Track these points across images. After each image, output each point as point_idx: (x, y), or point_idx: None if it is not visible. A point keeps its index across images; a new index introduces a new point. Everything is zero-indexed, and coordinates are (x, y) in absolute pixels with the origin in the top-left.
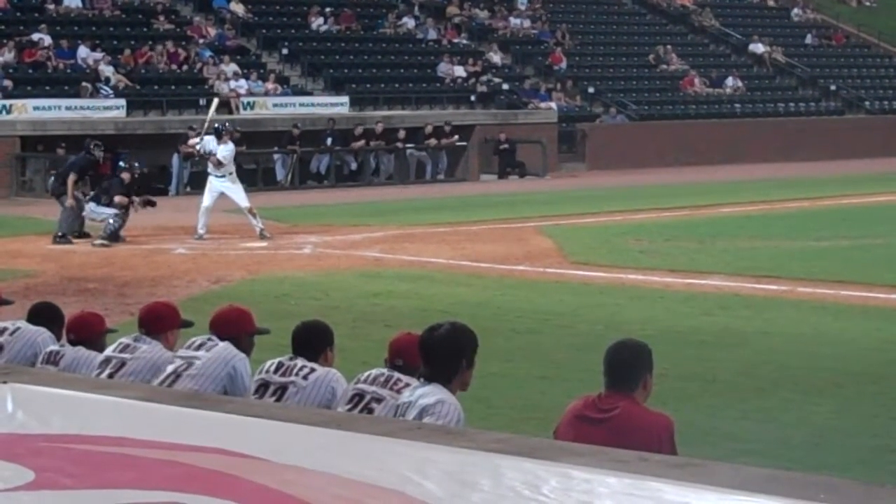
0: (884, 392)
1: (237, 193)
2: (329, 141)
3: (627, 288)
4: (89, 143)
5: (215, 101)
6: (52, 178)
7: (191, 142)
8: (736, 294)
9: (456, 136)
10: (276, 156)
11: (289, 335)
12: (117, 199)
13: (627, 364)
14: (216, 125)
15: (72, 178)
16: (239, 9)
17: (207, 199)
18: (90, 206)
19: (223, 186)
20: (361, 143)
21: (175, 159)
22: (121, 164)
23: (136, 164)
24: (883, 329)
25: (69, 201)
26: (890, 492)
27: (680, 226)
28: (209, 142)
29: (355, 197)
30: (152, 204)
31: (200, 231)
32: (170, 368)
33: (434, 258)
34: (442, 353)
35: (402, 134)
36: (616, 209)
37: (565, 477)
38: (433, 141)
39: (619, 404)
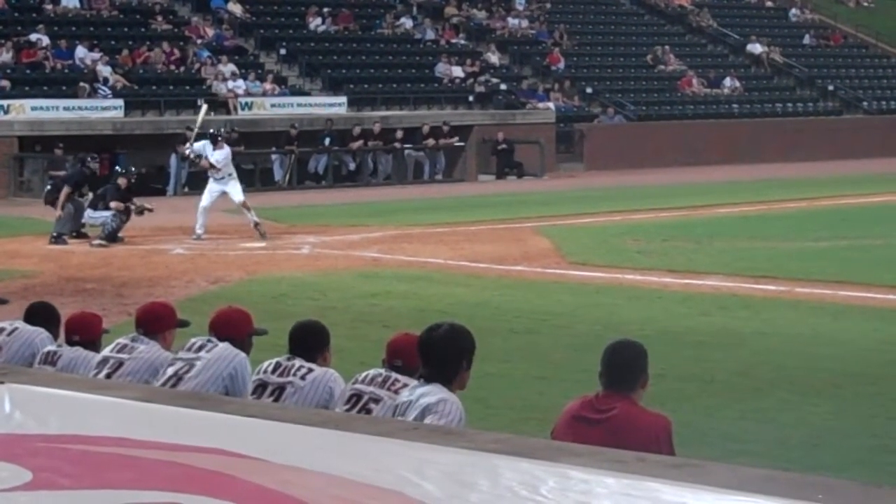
0: (882, 392)
1: (234, 189)
2: (327, 141)
3: (625, 288)
4: (84, 157)
5: (203, 108)
6: (48, 187)
7: (181, 149)
8: (734, 294)
9: (455, 137)
10: (273, 156)
11: (286, 335)
12: (113, 204)
13: (628, 364)
14: (211, 131)
15: (65, 190)
16: (237, 9)
17: (206, 199)
18: (88, 213)
19: (222, 186)
20: (359, 143)
21: (173, 159)
22: (117, 169)
23: (133, 169)
24: (881, 330)
25: (58, 212)
26: (888, 492)
27: (678, 226)
28: (204, 146)
29: (353, 197)
30: (149, 210)
31: (199, 231)
32: (170, 371)
33: (432, 258)
34: (443, 353)
35: (399, 134)
36: (614, 209)
37: (563, 477)
38: (431, 141)
39: (617, 405)
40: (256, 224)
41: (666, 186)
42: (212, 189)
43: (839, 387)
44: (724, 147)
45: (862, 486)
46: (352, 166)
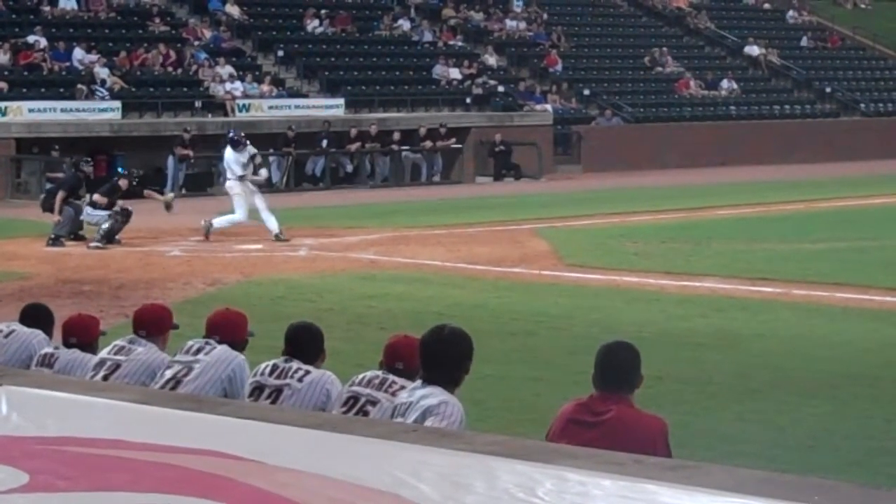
0: (880, 394)
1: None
2: (324, 143)
3: (622, 290)
4: (78, 160)
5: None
6: (44, 194)
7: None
8: (731, 296)
9: (452, 139)
10: (271, 158)
11: (289, 338)
12: (95, 197)
13: (623, 366)
14: (231, 136)
15: (60, 195)
16: (234, 11)
17: (245, 210)
18: (87, 210)
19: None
20: (357, 145)
21: (170, 161)
22: (120, 170)
23: (136, 172)
24: (878, 331)
25: (55, 217)
26: (885, 494)
27: (675, 228)
28: (232, 158)
29: (350, 199)
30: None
31: (278, 230)
32: (168, 374)
33: (429, 260)
34: (446, 356)
35: (396, 136)
36: (611, 211)
37: (560, 479)
38: (428, 143)
39: (613, 407)
40: (279, 233)
41: (663, 188)
42: (251, 190)
43: (837, 388)
44: (722, 149)
45: (859, 488)
46: (349, 168)
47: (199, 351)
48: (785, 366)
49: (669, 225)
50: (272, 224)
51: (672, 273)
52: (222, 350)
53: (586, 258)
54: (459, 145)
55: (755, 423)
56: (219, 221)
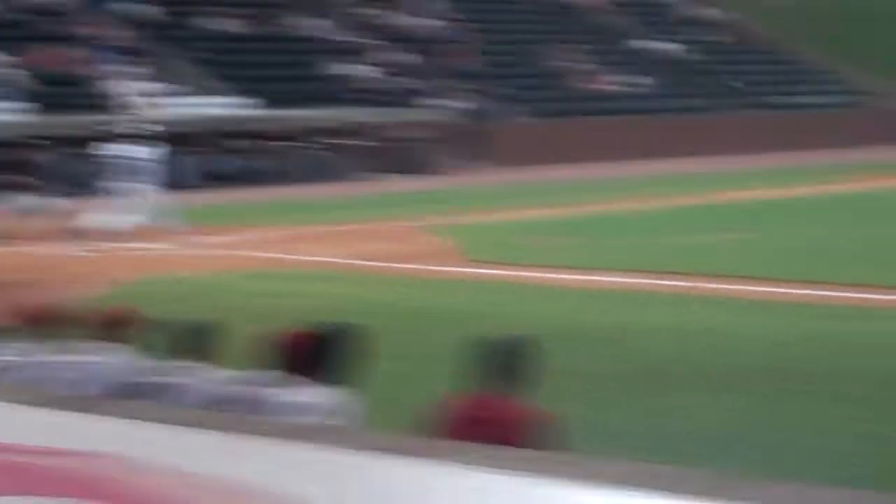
0: (788, 387)
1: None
2: (229, 142)
3: (525, 286)
4: None
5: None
6: None
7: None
8: (633, 290)
9: (359, 136)
10: (181, 156)
11: (180, 336)
12: None
13: (512, 361)
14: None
15: None
16: (138, 9)
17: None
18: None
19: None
20: (263, 143)
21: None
22: None
23: None
24: (786, 324)
25: None
26: (790, 487)
27: (579, 223)
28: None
29: (256, 197)
30: None
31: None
32: (64, 375)
33: (329, 258)
34: (336, 354)
35: (304, 133)
36: (516, 207)
37: (456, 476)
38: (335, 140)
39: (503, 403)
40: (174, 226)
41: (570, 183)
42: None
43: (747, 382)
44: (633, 143)
45: (776, 483)
46: (257, 166)
47: (90, 351)
48: (690, 359)
49: (573, 220)
50: (169, 220)
51: (575, 267)
52: (114, 349)
53: (489, 254)
54: (366, 142)
55: (660, 418)
56: (96, 221)
